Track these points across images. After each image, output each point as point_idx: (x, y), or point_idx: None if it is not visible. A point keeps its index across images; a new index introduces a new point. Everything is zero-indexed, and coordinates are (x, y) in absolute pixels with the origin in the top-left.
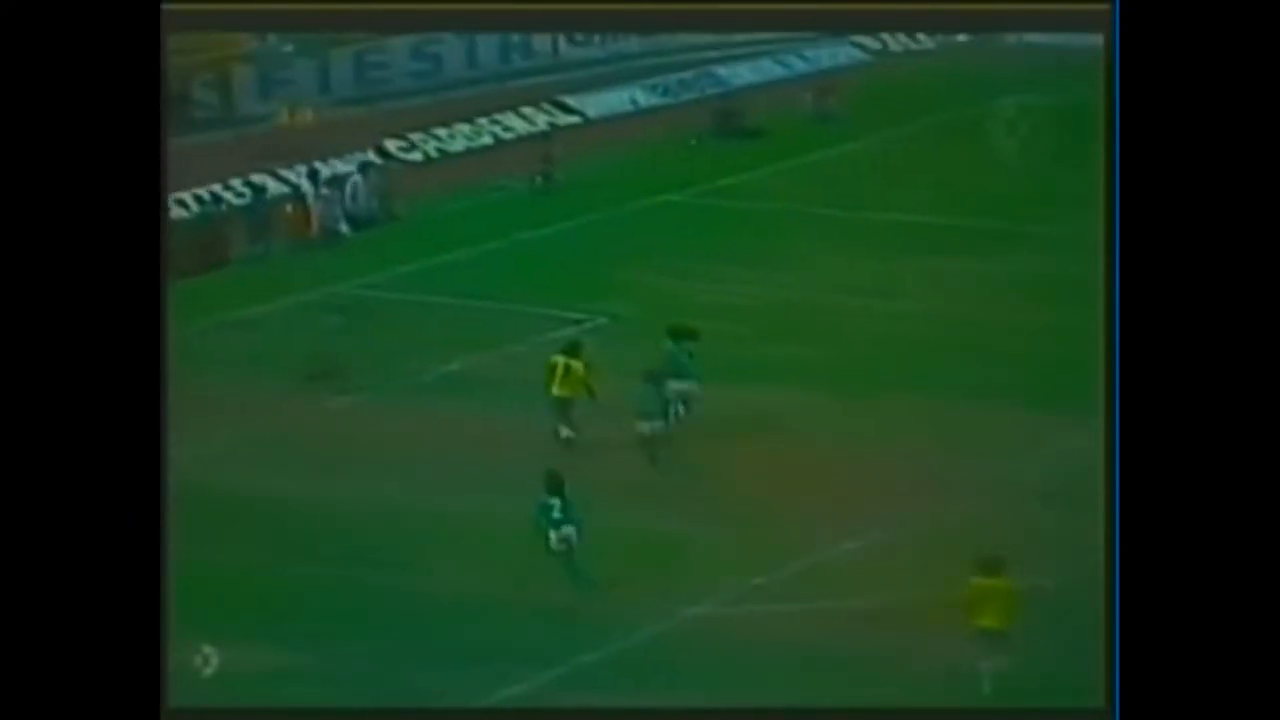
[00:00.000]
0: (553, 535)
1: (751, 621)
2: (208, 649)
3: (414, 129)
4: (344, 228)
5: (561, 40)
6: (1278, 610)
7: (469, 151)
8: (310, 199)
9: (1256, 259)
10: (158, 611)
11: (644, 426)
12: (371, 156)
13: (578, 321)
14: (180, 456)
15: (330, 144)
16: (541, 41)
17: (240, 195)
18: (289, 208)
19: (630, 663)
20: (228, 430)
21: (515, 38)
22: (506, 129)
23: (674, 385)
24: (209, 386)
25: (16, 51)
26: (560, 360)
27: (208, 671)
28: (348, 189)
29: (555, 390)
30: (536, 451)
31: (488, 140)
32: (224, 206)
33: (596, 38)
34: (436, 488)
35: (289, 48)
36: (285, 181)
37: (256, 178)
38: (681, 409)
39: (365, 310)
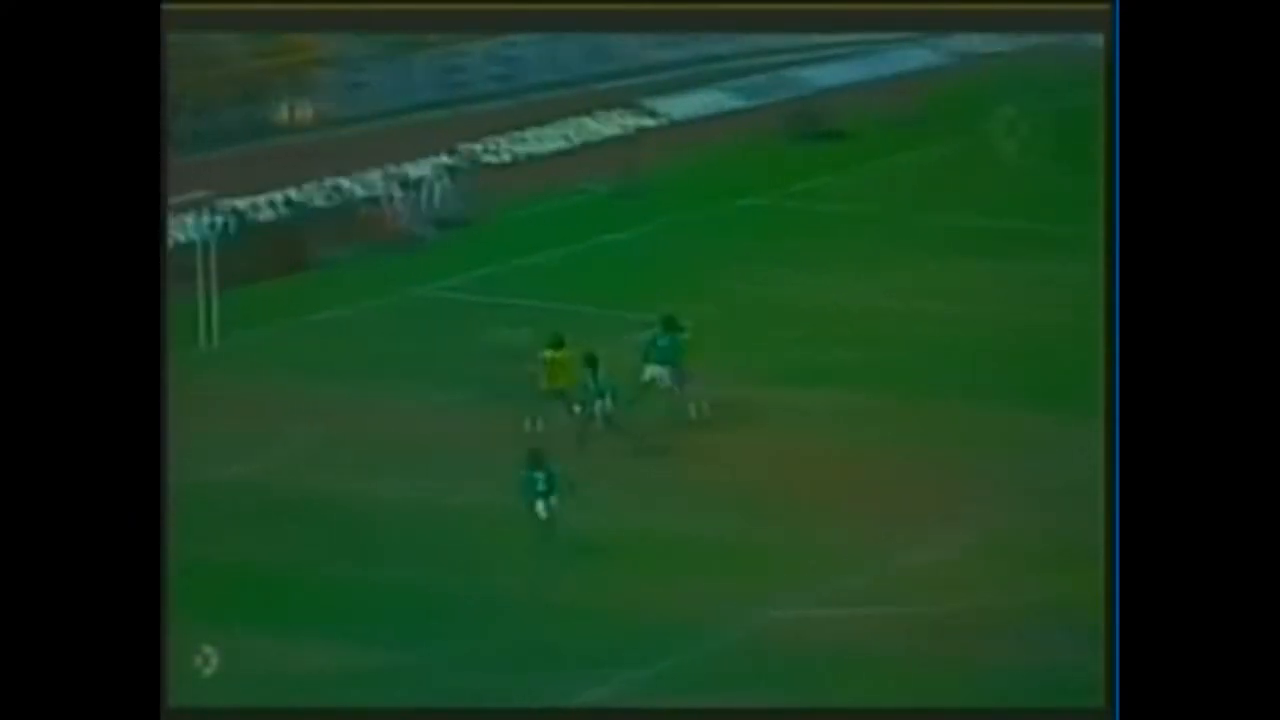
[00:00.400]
0: (539, 505)
1: (826, 626)
2: (208, 649)
3: (495, 132)
4: (424, 231)
5: (644, 43)
6: (1278, 610)
7: (550, 154)
8: (391, 202)
9: (1257, 258)
10: (158, 611)
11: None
12: (452, 160)
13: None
14: (257, 457)
15: (411, 147)
16: (624, 44)
17: (325, 199)
18: (370, 211)
19: (708, 666)
20: (307, 431)
21: (597, 40)
22: (588, 132)
23: (650, 369)
24: (287, 388)
25: (16, 51)
26: (548, 354)
27: (208, 671)
28: (428, 192)
29: (545, 384)
30: (614, 455)
31: (570, 143)
32: (305, 210)
33: (679, 40)
34: (509, 490)
35: (370, 52)
36: (366, 185)
37: (338, 180)
38: (609, 403)
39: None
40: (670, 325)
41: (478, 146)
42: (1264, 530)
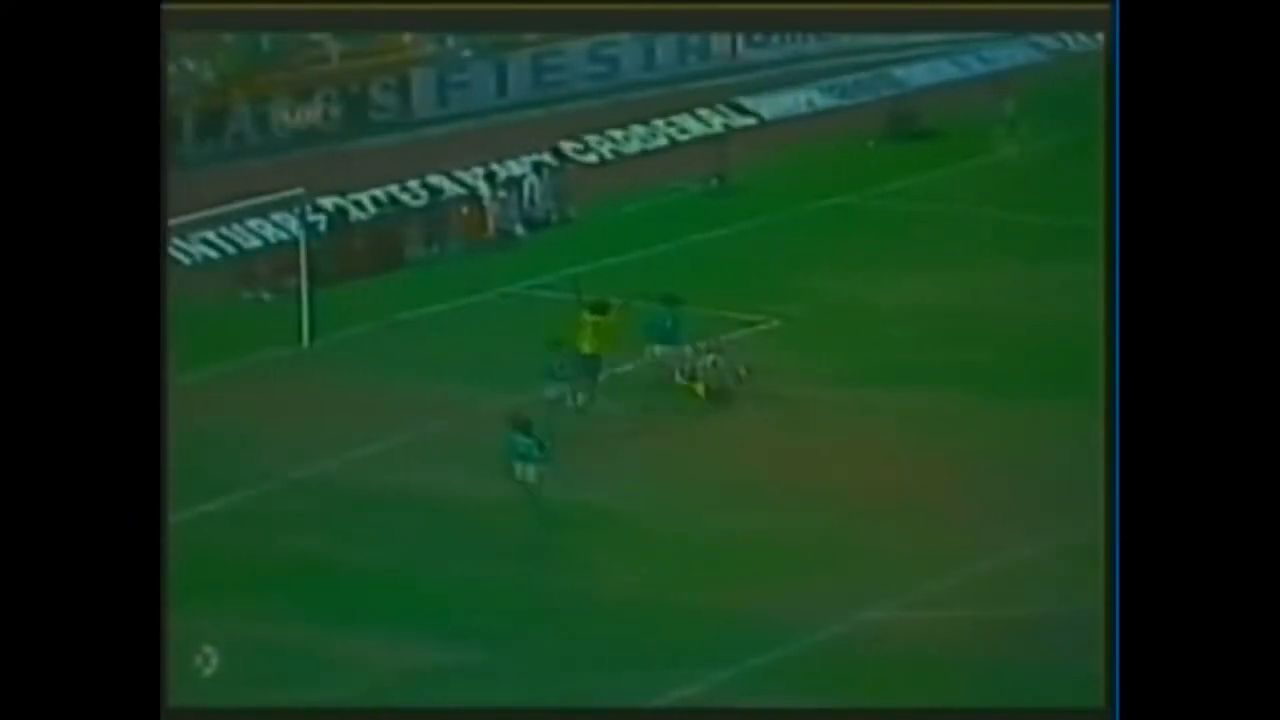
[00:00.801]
0: (518, 466)
1: (922, 627)
2: (208, 649)
3: (590, 131)
4: (519, 229)
5: (738, 41)
6: (1278, 610)
7: (644, 153)
8: (486, 200)
9: (1257, 257)
10: (158, 611)
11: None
12: (547, 158)
13: (750, 323)
14: (350, 456)
15: (506, 146)
16: (719, 43)
17: (417, 197)
18: (465, 209)
19: (800, 665)
20: (399, 429)
21: (693, 39)
22: (682, 131)
23: (657, 349)
24: (383, 386)
25: (16, 51)
26: (589, 319)
27: (208, 671)
28: (523, 190)
29: (586, 347)
30: (696, 450)
31: (663, 142)
32: (400, 208)
33: (774, 39)
34: (593, 486)
35: (467, 51)
36: (461, 183)
37: (433, 179)
38: (580, 398)
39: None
40: (669, 301)
41: (573, 145)
42: (1264, 531)
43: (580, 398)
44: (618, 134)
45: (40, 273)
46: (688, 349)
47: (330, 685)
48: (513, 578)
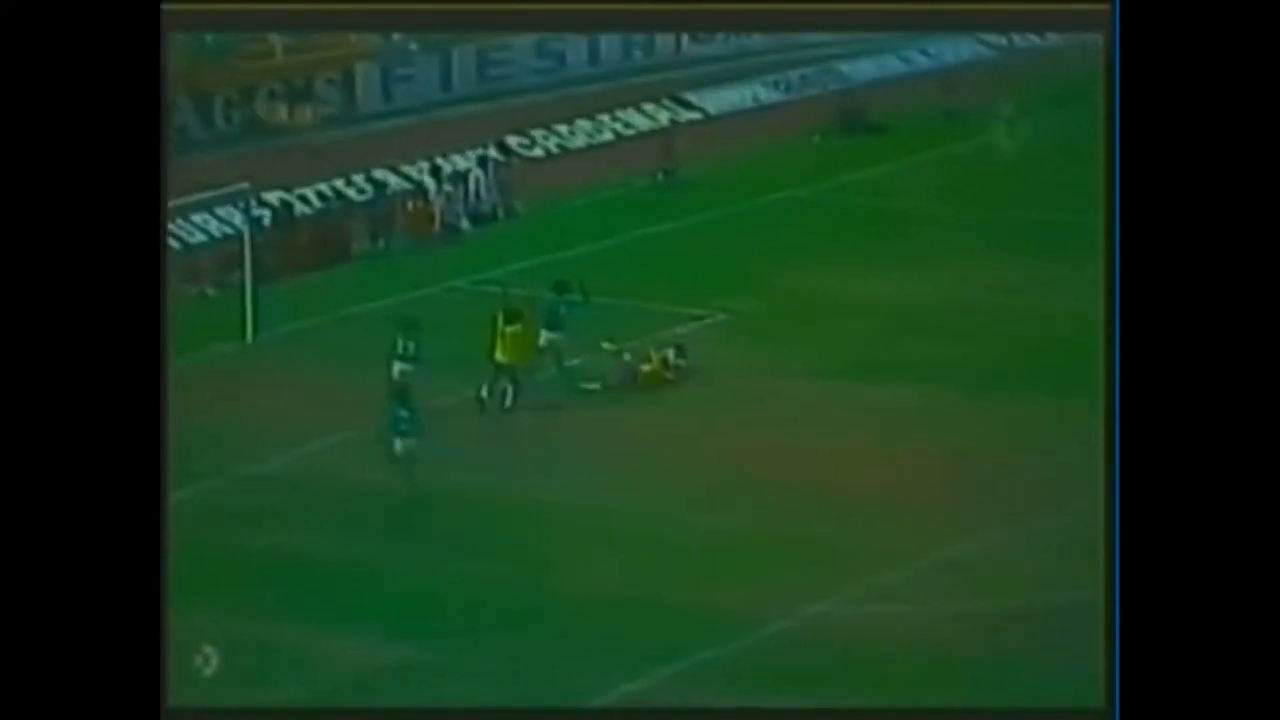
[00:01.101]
0: (398, 443)
1: (873, 621)
2: (208, 649)
3: (535, 125)
4: (465, 223)
5: (683, 37)
6: (1278, 610)
7: (590, 148)
8: (432, 195)
9: (1257, 257)
10: (158, 611)
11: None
12: (492, 153)
13: (697, 318)
14: (285, 451)
15: (452, 140)
16: (663, 39)
17: (362, 191)
18: (410, 204)
19: (750, 660)
20: (347, 424)
21: (638, 35)
22: (628, 125)
23: (545, 335)
24: (326, 380)
25: (16, 51)
26: (503, 327)
27: (208, 671)
28: (469, 185)
29: (500, 356)
30: (655, 444)
31: (609, 136)
32: (346, 202)
33: (719, 35)
34: (552, 484)
35: (412, 45)
36: (407, 178)
37: (378, 174)
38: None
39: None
40: (561, 289)
41: (519, 139)
42: (1264, 530)
43: (506, 398)
44: (563, 128)
45: (37, 274)
46: (610, 346)
47: (309, 682)
48: (463, 572)
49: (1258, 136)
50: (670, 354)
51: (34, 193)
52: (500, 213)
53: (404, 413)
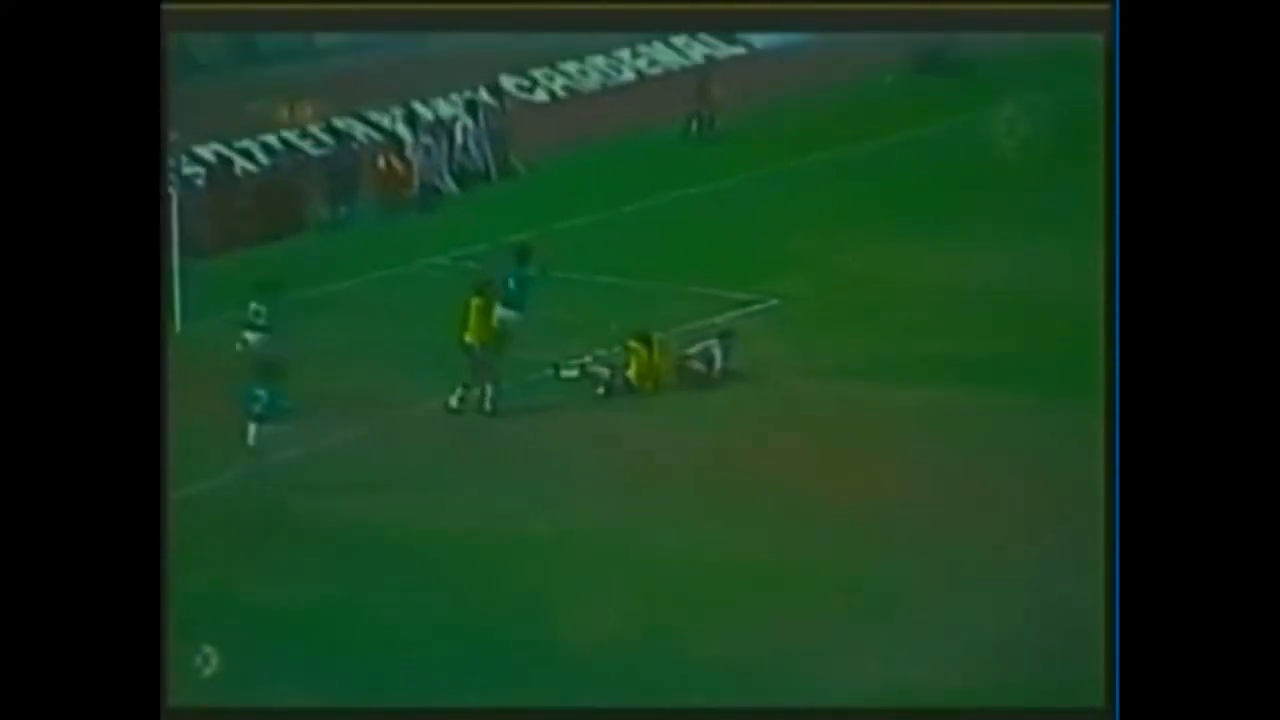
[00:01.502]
0: (252, 429)
1: (918, 628)
2: (208, 649)
3: (537, 63)
4: (449, 185)
5: None
6: (1278, 610)
7: (606, 90)
8: (407, 148)
9: (1258, 258)
10: (158, 611)
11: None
12: (484, 96)
13: (744, 304)
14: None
15: (433, 81)
16: None
17: (319, 144)
18: (380, 159)
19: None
20: (302, 437)
21: None
22: (653, 63)
23: (499, 312)
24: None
25: (15, 51)
26: (472, 300)
27: (208, 671)
28: (454, 136)
29: (466, 336)
30: (681, 461)
31: (630, 77)
32: (299, 157)
33: None
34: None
35: None
36: (376, 127)
37: (340, 122)
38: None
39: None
40: (519, 255)
41: (516, 80)
42: (1264, 530)
43: (485, 397)
44: (572, 67)
45: (36, 276)
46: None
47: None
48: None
49: (1258, 137)
50: (714, 347)
51: (33, 192)
52: (493, 171)
53: (261, 392)
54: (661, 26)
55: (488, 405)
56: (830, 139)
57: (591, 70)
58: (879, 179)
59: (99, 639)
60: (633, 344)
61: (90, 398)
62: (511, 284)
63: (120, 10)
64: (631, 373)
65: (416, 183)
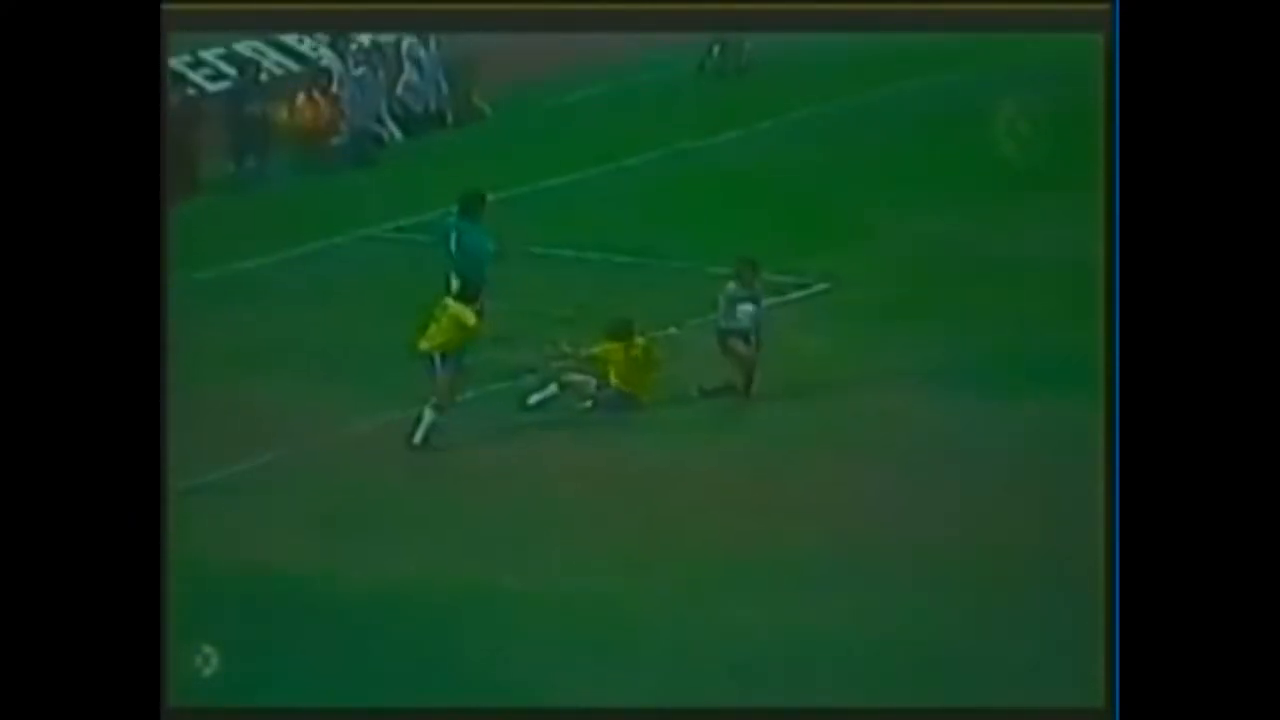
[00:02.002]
0: None
1: (917, 625)
2: (208, 649)
3: None
4: (390, 129)
5: None
6: (1278, 610)
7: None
8: (335, 82)
9: (1258, 258)
10: (158, 611)
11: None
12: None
13: (780, 289)
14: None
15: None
16: None
17: (218, 77)
18: (299, 97)
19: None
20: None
21: None
22: None
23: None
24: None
25: (15, 51)
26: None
27: (208, 671)
28: (399, 68)
29: (422, 343)
30: (683, 492)
31: None
32: (190, 94)
33: None
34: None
35: None
36: (293, 54)
37: (243, 48)
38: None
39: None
40: (468, 208)
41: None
42: (1265, 530)
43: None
44: None
45: (35, 279)
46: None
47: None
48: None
49: (1258, 137)
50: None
51: (31, 192)
52: (449, 113)
53: None
54: (661, 26)
55: (420, 434)
56: (881, 74)
57: None
58: (955, 123)
59: (99, 639)
60: (606, 346)
61: (90, 399)
62: (453, 246)
63: (120, 10)
64: (614, 378)
65: (346, 128)
